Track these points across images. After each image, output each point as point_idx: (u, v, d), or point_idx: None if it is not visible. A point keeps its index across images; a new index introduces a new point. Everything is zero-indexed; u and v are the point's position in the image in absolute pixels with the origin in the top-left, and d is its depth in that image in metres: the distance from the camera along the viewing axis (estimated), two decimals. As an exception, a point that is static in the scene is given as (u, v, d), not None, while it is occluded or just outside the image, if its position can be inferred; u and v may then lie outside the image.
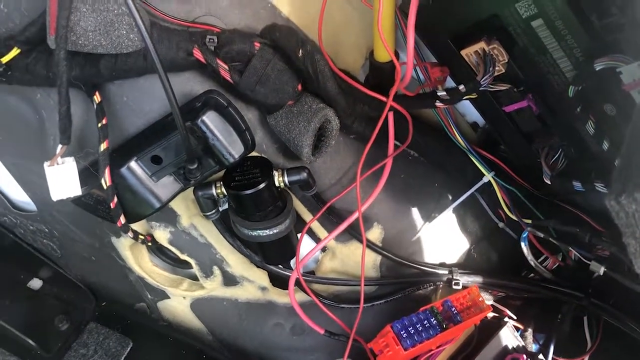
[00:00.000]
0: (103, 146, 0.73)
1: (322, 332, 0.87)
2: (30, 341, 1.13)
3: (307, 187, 0.80)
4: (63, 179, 0.73)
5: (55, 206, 0.96)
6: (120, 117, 0.76)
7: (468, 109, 0.91)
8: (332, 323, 0.88)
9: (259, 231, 0.79)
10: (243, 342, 1.00)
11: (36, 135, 0.82)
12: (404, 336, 0.75)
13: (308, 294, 0.88)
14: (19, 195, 1.04)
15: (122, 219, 0.78)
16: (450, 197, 0.92)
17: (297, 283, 0.91)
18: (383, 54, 0.78)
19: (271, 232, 0.79)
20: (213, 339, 1.04)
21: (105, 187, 0.74)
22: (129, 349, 1.13)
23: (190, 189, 0.80)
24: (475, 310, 0.80)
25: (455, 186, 0.91)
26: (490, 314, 0.92)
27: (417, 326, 0.76)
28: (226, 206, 0.83)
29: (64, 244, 1.07)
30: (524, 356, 0.82)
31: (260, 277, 0.94)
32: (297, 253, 0.82)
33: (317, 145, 0.79)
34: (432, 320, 0.77)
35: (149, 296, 1.04)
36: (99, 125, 0.73)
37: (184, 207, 0.86)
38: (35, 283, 1.31)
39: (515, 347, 0.85)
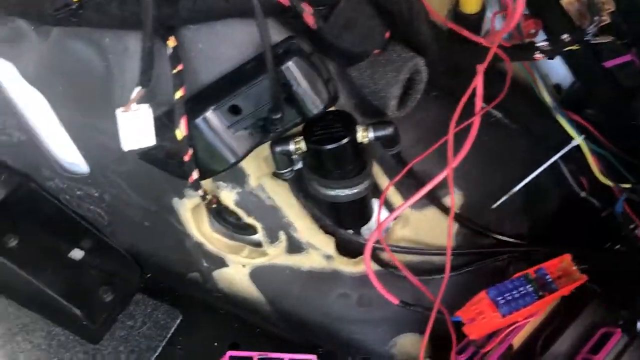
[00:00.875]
0: (179, 94, 0.68)
1: (396, 302, 0.82)
2: (76, 310, 1.09)
3: (391, 144, 0.75)
4: (136, 128, 0.68)
5: (111, 166, 0.91)
6: (194, 66, 0.71)
7: (552, 69, 0.85)
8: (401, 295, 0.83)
9: (338, 190, 0.74)
10: (305, 313, 0.95)
11: (101, 85, 0.77)
12: (501, 302, 0.70)
13: (387, 264, 0.84)
14: (70, 156, 1.00)
15: (195, 174, 0.73)
16: (533, 164, 0.87)
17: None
18: (470, 4, 0.73)
19: (350, 192, 0.74)
20: (271, 310, 1.00)
21: (179, 138, 0.69)
22: (178, 321, 1.09)
23: (264, 147, 0.75)
24: (567, 280, 0.75)
25: (539, 152, 0.86)
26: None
27: (513, 293, 0.71)
28: (300, 165, 0.78)
29: (114, 209, 1.02)
30: (620, 330, 0.77)
31: (327, 244, 0.89)
32: (378, 215, 0.77)
33: (402, 98, 0.74)
34: (527, 287, 0.72)
35: (205, 264, 0.99)
36: (174, 71, 0.68)
37: (254, 166, 0.81)
38: (77, 253, 1.26)
39: (606, 320, 0.79)
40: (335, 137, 0.70)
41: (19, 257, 1.17)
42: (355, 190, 0.74)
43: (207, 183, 0.84)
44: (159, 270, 1.12)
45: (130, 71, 0.72)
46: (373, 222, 0.86)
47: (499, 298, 0.70)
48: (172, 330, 1.08)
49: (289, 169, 0.76)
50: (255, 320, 1.05)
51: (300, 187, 0.80)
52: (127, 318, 1.11)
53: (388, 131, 0.72)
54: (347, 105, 0.77)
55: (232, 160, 0.72)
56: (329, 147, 0.70)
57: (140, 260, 1.14)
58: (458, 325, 0.79)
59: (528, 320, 0.78)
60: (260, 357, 1.00)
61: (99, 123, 0.83)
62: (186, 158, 0.71)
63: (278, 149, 0.73)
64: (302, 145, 0.72)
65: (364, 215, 0.81)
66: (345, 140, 0.70)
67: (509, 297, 0.70)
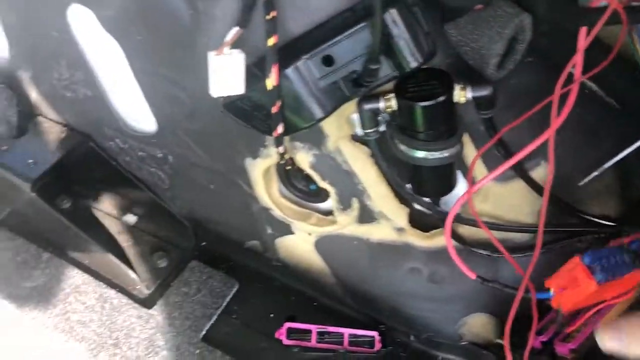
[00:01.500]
0: (271, 41, 0.65)
1: (474, 276, 0.78)
2: (132, 273, 1.07)
3: (486, 107, 0.71)
4: (227, 73, 0.65)
5: (182, 123, 0.89)
6: (284, 14, 0.68)
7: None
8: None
9: (427, 152, 0.70)
10: (371, 286, 0.92)
11: (184, 34, 0.74)
12: (598, 269, 0.65)
13: (463, 239, 0.80)
14: (138, 113, 0.98)
15: (280, 129, 0.70)
16: (628, 140, 0.82)
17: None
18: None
19: (441, 156, 0.71)
20: (335, 282, 0.96)
21: (269, 88, 0.66)
22: (234, 289, 1.06)
23: (346, 106, 0.72)
24: (664, 255, 0.70)
25: (635, 127, 0.81)
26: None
27: (610, 259, 0.66)
28: (383, 128, 0.74)
29: (177, 171, 1.00)
30: None
31: (400, 215, 0.85)
32: (469, 184, 0.73)
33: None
34: (623, 256, 0.67)
35: (269, 231, 0.97)
36: (267, 18, 0.65)
37: (335, 127, 0.77)
38: (130, 218, 1.25)
39: None
40: (431, 94, 0.67)
41: (73, 217, 1.16)
42: (445, 154, 0.71)
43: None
44: (216, 238, 1.10)
45: (220, 19, 0.70)
46: (450, 195, 0.83)
47: (595, 264, 0.65)
48: (228, 299, 1.05)
49: (374, 129, 0.73)
50: (314, 293, 1.02)
51: (382, 151, 0.77)
52: (181, 284, 1.09)
53: (487, 91, 0.68)
54: (441, 65, 0.73)
55: (320, 115, 0.69)
56: (424, 104, 0.67)
57: (198, 228, 1.12)
58: (539, 303, 0.75)
59: (617, 301, 0.74)
60: (319, 330, 0.97)
61: (176, 75, 0.81)
62: (274, 110, 0.68)
63: (367, 106, 0.70)
64: (393, 103, 0.69)
65: (449, 183, 0.77)
66: (442, 98, 0.67)
67: (605, 264, 0.65)
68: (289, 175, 0.91)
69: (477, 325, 0.90)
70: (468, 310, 0.90)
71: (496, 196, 0.83)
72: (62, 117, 1.12)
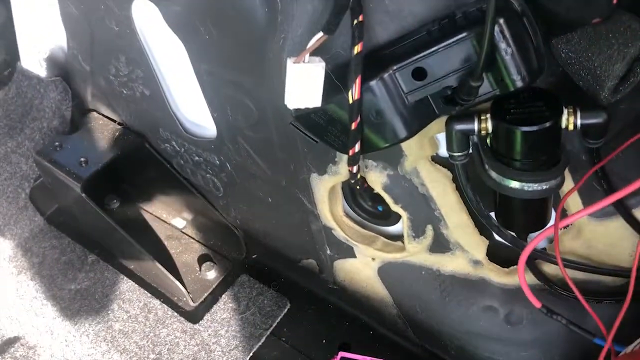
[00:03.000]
0: (357, 49, 0.58)
1: (539, 305, 0.70)
2: (177, 283, 1.02)
3: (597, 135, 0.62)
4: (304, 83, 0.58)
5: (245, 131, 0.82)
6: (371, 19, 0.61)
7: None
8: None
9: (522, 184, 0.62)
10: (438, 322, 0.84)
11: (257, 35, 0.68)
12: None
13: (547, 280, 0.71)
14: (197, 117, 0.92)
15: (357, 147, 0.63)
16: None
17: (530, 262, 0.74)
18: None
19: (538, 188, 0.62)
20: (397, 313, 0.88)
21: (350, 101, 0.59)
22: (286, 309, 1.00)
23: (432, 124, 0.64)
24: None
25: None
26: None
27: None
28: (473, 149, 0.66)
29: (234, 179, 0.94)
30: None
31: (477, 247, 0.77)
32: (557, 217, 0.64)
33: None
34: None
35: (329, 252, 0.89)
36: (354, 22, 0.58)
37: (416, 146, 0.70)
38: (179, 222, 1.20)
39: None
40: (536, 118, 0.58)
41: (120, 219, 1.11)
42: (544, 187, 0.62)
43: (356, 160, 0.74)
44: (269, 252, 1.03)
45: (298, 20, 0.63)
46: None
47: None
48: (279, 319, 0.98)
49: (462, 152, 0.64)
50: (371, 322, 0.95)
51: (467, 176, 0.68)
52: (230, 299, 1.02)
53: (600, 118, 0.59)
54: (540, 84, 0.64)
55: (404, 135, 0.61)
56: (527, 129, 0.58)
57: (249, 239, 1.05)
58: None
59: None
60: (377, 363, 0.90)
61: (243, 80, 0.74)
62: (353, 126, 0.60)
63: (458, 126, 0.62)
64: (489, 125, 0.61)
65: (542, 219, 0.68)
66: (548, 124, 0.58)
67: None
68: (356, 194, 0.84)
69: (555, 375, 0.81)
70: (548, 357, 0.80)
71: (590, 234, 0.73)
72: (118, 115, 1.07)
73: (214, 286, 1.05)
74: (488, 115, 0.61)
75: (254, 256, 1.08)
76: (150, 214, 1.19)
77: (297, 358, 0.94)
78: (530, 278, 0.76)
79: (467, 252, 0.77)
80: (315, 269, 0.97)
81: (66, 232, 1.17)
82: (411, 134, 0.61)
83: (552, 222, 0.70)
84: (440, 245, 0.78)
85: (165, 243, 1.14)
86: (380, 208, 0.83)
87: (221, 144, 0.88)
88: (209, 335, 0.98)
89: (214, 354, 0.96)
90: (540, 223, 0.69)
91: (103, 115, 1.11)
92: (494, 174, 0.63)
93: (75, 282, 1.09)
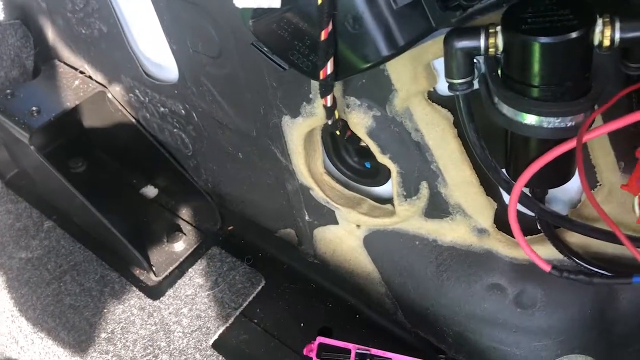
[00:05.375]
0: None
1: (548, 268, 0.55)
2: (139, 255, 0.89)
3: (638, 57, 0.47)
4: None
5: (207, 67, 0.69)
6: None
7: None
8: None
9: (543, 118, 0.48)
10: (434, 303, 0.70)
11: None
12: None
13: (572, 252, 0.57)
14: (158, 55, 0.79)
15: (330, 68, 0.49)
16: None
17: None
18: None
19: (563, 125, 0.48)
20: (386, 292, 0.75)
21: (319, 3, 0.45)
22: (260, 287, 0.86)
23: (427, 46, 0.51)
24: None
25: None
26: None
27: None
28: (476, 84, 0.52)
29: (201, 133, 0.81)
30: None
31: (483, 211, 0.63)
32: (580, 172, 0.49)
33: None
34: None
35: (307, 218, 0.76)
36: None
37: (408, 78, 0.56)
38: (150, 191, 1.07)
39: None
40: (560, 27, 0.44)
41: (84, 184, 0.98)
42: (568, 123, 0.48)
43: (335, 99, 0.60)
44: (246, 222, 0.90)
45: None
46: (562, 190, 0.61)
47: None
48: (251, 298, 0.85)
49: (466, 79, 0.50)
50: (358, 303, 0.81)
51: (472, 115, 0.54)
52: (197, 274, 0.89)
53: (648, 30, 0.45)
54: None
55: (388, 51, 0.47)
56: (548, 40, 0.44)
57: (226, 210, 0.92)
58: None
59: None
60: (360, 351, 0.76)
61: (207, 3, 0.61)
62: (322, 36, 0.47)
63: (460, 44, 0.48)
64: (499, 41, 0.47)
65: (567, 169, 0.54)
66: (575, 34, 0.44)
67: None
68: (339, 147, 0.70)
69: (575, 371, 0.67)
70: (565, 349, 0.66)
71: (624, 195, 0.59)
72: (79, 62, 0.94)
73: (181, 259, 0.92)
74: (498, 28, 0.47)
75: (230, 228, 0.95)
76: (121, 180, 1.06)
77: (269, 343, 0.81)
78: (550, 252, 0.62)
79: (470, 217, 0.63)
80: (294, 240, 0.83)
81: (24, 197, 1.04)
82: (398, 50, 0.47)
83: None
84: (438, 208, 0.64)
85: (133, 212, 1.01)
86: (367, 165, 0.70)
87: (184, 88, 0.75)
88: (170, 313, 0.85)
89: (173, 336, 0.83)
90: (565, 174, 0.54)
91: (65, 63, 0.98)
92: (505, 108, 0.49)
93: (28, 251, 0.96)
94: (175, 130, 0.87)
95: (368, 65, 0.49)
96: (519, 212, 0.54)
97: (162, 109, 0.85)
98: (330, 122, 0.58)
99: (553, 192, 0.63)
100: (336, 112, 0.58)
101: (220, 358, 0.79)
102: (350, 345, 0.77)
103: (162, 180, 1.03)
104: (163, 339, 0.82)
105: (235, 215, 0.91)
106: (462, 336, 0.70)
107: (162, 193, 1.02)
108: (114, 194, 1.03)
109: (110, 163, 1.06)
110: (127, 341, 0.83)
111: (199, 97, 0.74)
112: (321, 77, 0.50)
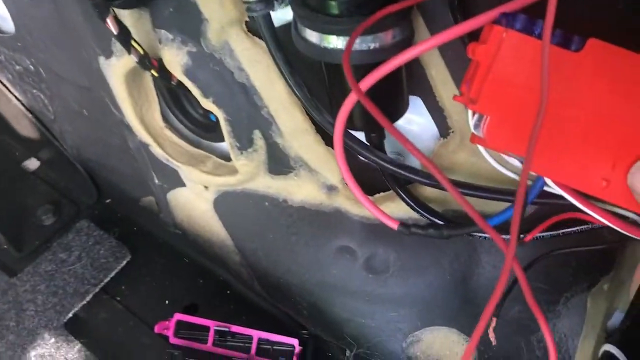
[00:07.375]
0: None
1: (395, 225, 0.48)
2: (-3, 229, 0.81)
3: None
4: None
5: (30, 10, 0.61)
6: None
7: None
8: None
9: (342, 38, 0.41)
10: (285, 270, 0.62)
11: None
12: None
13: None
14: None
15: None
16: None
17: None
18: None
19: (367, 47, 0.41)
20: (241, 260, 0.67)
21: None
22: (124, 262, 0.79)
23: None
24: None
25: None
26: None
27: None
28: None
29: (51, 89, 0.73)
30: None
31: (328, 165, 0.56)
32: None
33: None
34: None
35: (156, 181, 0.68)
36: None
37: (216, 3, 0.48)
38: (32, 163, 1.00)
39: None
40: None
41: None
42: (374, 44, 0.40)
43: (145, 35, 0.53)
44: (117, 193, 0.82)
45: None
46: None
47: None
48: (114, 273, 0.77)
49: (262, -1, 0.43)
50: (229, 278, 0.74)
51: (276, 37, 0.46)
52: (61, 249, 0.82)
53: None
54: None
55: None
56: None
57: (102, 181, 0.84)
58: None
59: None
60: (219, 328, 0.69)
61: None
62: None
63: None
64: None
65: (391, 100, 0.46)
66: None
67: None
68: (179, 96, 0.63)
69: (436, 344, 0.60)
70: (425, 321, 0.59)
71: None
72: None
73: (47, 234, 0.84)
74: None
75: (107, 201, 0.87)
76: (5, 154, 0.99)
77: (128, 321, 0.74)
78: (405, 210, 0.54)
79: (316, 172, 0.56)
80: (154, 209, 0.76)
81: None
82: None
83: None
84: (280, 162, 0.56)
85: (6, 185, 0.93)
86: (213, 117, 0.62)
87: (23, 39, 0.67)
88: (25, 291, 0.77)
89: (25, 314, 0.75)
90: (392, 108, 0.47)
91: None
92: (308, 33, 0.42)
93: None
94: (34, 91, 0.79)
95: None
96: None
97: (17, 67, 0.77)
98: (136, 60, 0.51)
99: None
100: (139, 47, 0.51)
101: (69, 338, 0.72)
102: (209, 322, 0.70)
103: (43, 152, 0.95)
104: (13, 318, 0.75)
105: (113, 187, 0.83)
106: (315, 307, 0.62)
107: (43, 165, 0.95)
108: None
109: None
110: (-27, 321, 0.76)
111: (36, 48, 0.66)
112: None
